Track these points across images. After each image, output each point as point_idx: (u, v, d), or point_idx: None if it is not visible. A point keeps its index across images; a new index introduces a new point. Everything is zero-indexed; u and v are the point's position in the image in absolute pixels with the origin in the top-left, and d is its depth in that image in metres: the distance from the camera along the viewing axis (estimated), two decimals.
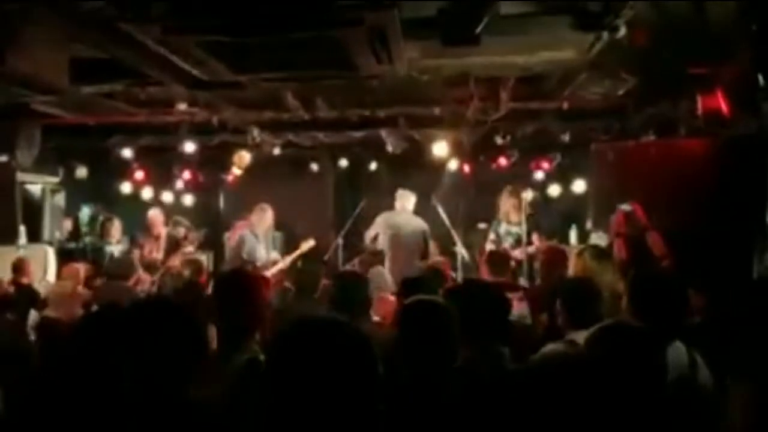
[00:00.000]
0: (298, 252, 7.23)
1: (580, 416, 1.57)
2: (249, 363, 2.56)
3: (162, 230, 7.56)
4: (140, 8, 2.92)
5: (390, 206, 7.28)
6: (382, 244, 6.95)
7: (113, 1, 2.96)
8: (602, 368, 1.81)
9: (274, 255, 7.39)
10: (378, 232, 7.03)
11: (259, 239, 7.19)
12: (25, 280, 5.78)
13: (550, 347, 2.72)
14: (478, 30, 2.97)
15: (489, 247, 6.69)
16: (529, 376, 2.14)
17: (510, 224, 6.55)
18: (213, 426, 1.79)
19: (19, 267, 5.85)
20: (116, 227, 7.67)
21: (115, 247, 7.53)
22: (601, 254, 3.75)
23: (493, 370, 2.32)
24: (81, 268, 5.98)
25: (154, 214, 7.76)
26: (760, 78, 3.43)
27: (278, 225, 7.97)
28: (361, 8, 2.67)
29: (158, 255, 7.27)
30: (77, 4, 3.10)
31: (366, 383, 1.28)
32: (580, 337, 2.74)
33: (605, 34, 3.58)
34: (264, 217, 7.22)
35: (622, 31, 3.46)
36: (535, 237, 6.36)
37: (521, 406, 1.91)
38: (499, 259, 5.13)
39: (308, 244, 7.29)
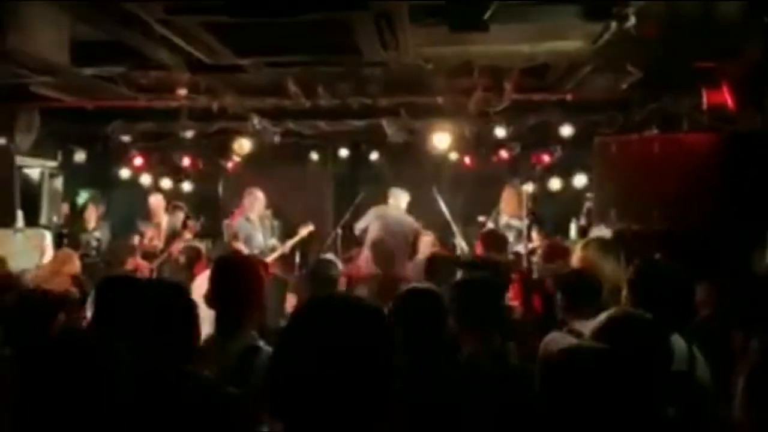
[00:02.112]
0: (297, 237, 7.18)
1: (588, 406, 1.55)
2: (246, 350, 2.52)
3: (163, 217, 7.53)
4: None
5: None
6: (369, 238, 6.88)
7: None
8: (613, 356, 1.79)
9: (273, 241, 7.36)
10: (368, 224, 6.97)
11: (255, 225, 7.14)
12: None
13: (553, 335, 2.70)
14: (486, 16, 2.93)
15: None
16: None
17: (511, 218, 6.54)
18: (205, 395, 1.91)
19: None
20: (92, 213, 7.62)
21: (90, 234, 7.48)
22: (606, 246, 3.73)
23: (497, 365, 2.31)
24: (74, 254, 5.93)
25: (156, 201, 7.72)
26: None
27: (277, 214, 7.94)
28: None
29: (159, 242, 7.24)
30: None
31: (383, 357, 1.27)
32: (583, 326, 2.73)
33: (613, 24, 3.54)
34: (255, 201, 7.16)
35: (632, 21, 3.42)
36: (534, 233, 6.35)
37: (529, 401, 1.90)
38: (495, 238, 5.13)
39: (307, 229, 7.26)
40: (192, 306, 2.25)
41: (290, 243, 7.14)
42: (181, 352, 2.08)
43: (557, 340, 2.61)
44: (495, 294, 2.70)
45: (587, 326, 2.69)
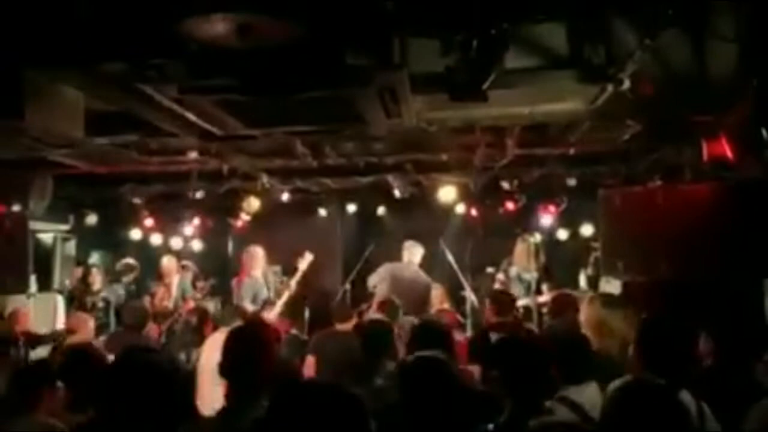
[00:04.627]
0: (299, 272, 7.05)
1: None
2: (258, 422, 2.53)
3: (174, 278, 7.59)
4: (158, 69, 3.02)
5: (398, 251, 7.28)
6: (381, 294, 6.82)
7: (132, 62, 3.06)
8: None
9: (279, 284, 7.33)
10: (379, 281, 6.95)
11: (259, 281, 7.12)
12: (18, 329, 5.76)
13: (548, 406, 2.67)
14: (485, 87, 3.05)
15: (497, 287, 6.70)
16: None
17: (522, 271, 6.57)
18: None
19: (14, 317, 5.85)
20: (96, 275, 7.70)
21: (96, 296, 7.55)
22: (613, 302, 3.75)
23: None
24: (89, 318, 5.98)
25: (168, 262, 7.79)
26: (764, 132, 3.48)
27: (286, 270, 7.98)
28: (372, 69, 2.77)
29: (168, 303, 7.28)
30: (97, 64, 3.20)
31: None
32: (575, 393, 2.72)
33: (609, 87, 3.66)
34: (254, 258, 7.15)
35: (626, 84, 3.54)
36: (545, 287, 6.36)
37: None
38: (504, 298, 5.16)
39: (306, 260, 7.08)
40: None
41: (294, 280, 7.02)
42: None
43: (557, 415, 2.59)
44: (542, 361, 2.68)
45: (582, 394, 2.69)
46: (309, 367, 4.93)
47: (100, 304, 7.59)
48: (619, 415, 1.92)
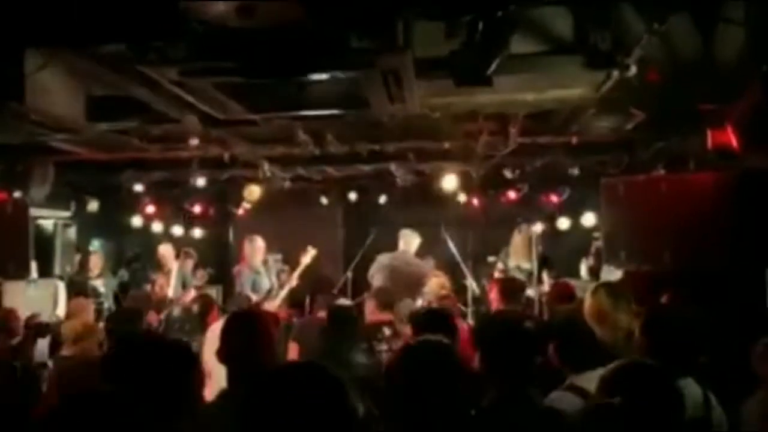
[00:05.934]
0: (302, 266, 7.04)
1: None
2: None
3: (173, 265, 7.57)
4: (159, 51, 2.98)
5: None
6: (377, 284, 6.69)
7: (132, 43, 3.02)
8: (622, 412, 1.80)
9: (283, 276, 7.32)
10: (375, 271, 6.92)
11: (260, 271, 7.11)
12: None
13: (557, 395, 2.66)
14: (490, 71, 3.01)
15: (498, 276, 6.68)
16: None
17: (521, 261, 6.56)
18: None
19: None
20: (96, 260, 7.71)
21: (97, 281, 7.57)
22: (616, 292, 3.72)
23: (522, 412, 2.30)
24: (89, 303, 5.97)
25: (165, 250, 7.78)
26: None
27: (287, 259, 7.98)
28: (375, 52, 2.73)
29: (168, 290, 7.27)
30: (97, 46, 3.17)
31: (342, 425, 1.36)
32: (584, 380, 2.70)
33: (615, 73, 3.62)
34: (255, 248, 7.12)
35: (633, 70, 3.50)
36: (545, 275, 6.35)
37: None
38: (511, 286, 5.13)
39: (309, 255, 7.05)
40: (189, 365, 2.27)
41: (296, 273, 7.02)
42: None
43: (564, 402, 2.57)
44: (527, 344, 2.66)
45: (590, 380, 2.68)
46: (292, 353, 4.94)
47: (102, 290, 7.61)
48: (614, 392, 1.90)
